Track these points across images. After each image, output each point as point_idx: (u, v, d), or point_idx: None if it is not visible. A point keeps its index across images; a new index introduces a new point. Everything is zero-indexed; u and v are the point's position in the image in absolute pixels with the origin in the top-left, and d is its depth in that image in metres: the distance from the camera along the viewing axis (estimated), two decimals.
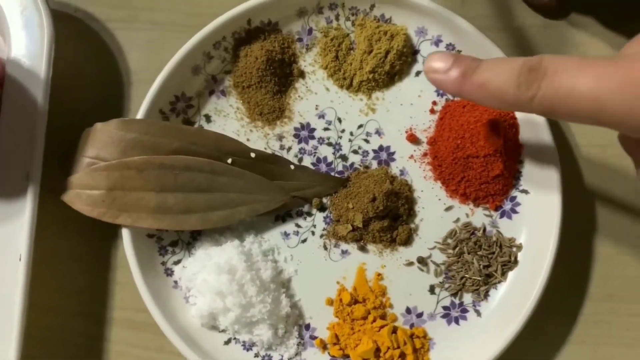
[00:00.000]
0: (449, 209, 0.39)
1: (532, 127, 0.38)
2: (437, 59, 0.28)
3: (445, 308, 0.38)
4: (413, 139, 0.40)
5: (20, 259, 0.36)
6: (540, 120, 0.38)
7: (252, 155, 0.38)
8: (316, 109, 0.41)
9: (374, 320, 0.38)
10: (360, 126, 0.40)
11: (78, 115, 0.40)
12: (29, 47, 0.39)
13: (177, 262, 0.39)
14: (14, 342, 0.35)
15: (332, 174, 0.40)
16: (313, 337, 0.38)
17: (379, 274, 0.39)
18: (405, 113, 0.40)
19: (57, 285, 0.40)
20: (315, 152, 0.40)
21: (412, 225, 0.39)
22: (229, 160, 0.38)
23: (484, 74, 0.27)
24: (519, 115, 0.39)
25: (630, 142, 0.29)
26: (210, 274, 0.36)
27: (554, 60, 0.25)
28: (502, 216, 0.39)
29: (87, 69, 0.43)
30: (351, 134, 0.40)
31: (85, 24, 0.43)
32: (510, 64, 0.26)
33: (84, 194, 0.37)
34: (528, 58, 0.26)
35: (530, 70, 0.25)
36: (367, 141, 0.40)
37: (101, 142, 0.37)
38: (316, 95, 0.41)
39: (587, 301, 0.39)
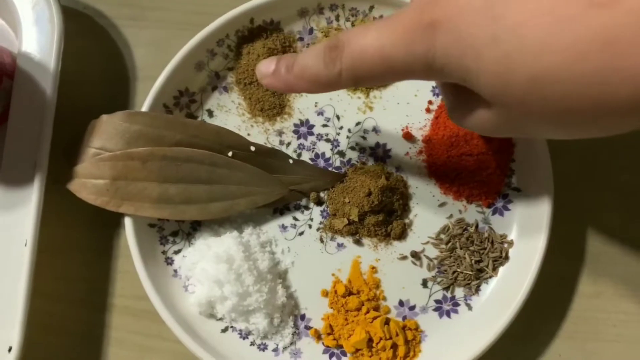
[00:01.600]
0: (442, 205, 0.41)
1: None
2: (264, 64, 0.30)
3: (437, 301, 0.39)
4: (409, 136, 0.41)
5: (25, 245, 0.37)
6: None
7: (252, 148, 0.40)
8: (315, 106, 0.42)
9: (368, 312, 0.39)
10: (358, 123, 0.42)
11: (85, 108, 0.41)
12: (39, 41, 0.40)
13: (177, 252, 0.40)
14: (17, 327, 0.36)
15: (330, 169, 0.41)
16: (308, 327, 0.39)
17: (373, 267, 0.40)
18: (402, 112, 0.42)
19: (60, 273, 0.41)
20: (313, 148, 0.41)
21: (407, 221, 0.40)
22: (230, 153, 0.39)
23: (299, 64, 0.28)
24: None
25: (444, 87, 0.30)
26: (209, 263, 0.38)
27: (348, 32, 0.26)
28: (494, 213, 0.40)
29: (94, 64, 0.44)
30: (349, 131, 0.42)
31: (93, 21, 0.44)
32: (317, 47, 0.27)
33: (88, 183, 0.38)
34: (330, 38, 0.27)
35: (332, 48, 0.26)
36: (364, 138, 0.42)
37: (106, 133, 0.38)
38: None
39: (576, 298, 0.40)
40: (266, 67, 0.30)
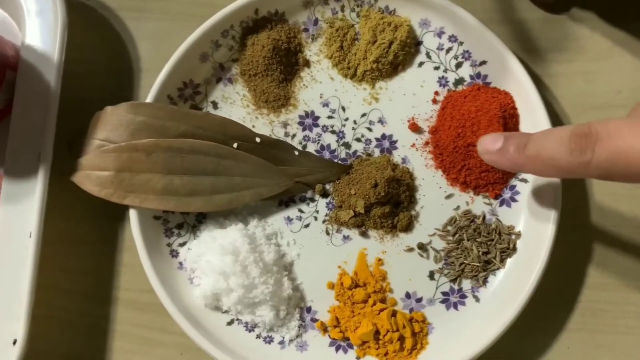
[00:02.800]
0: (449, 196, 0.40)
1: (532, 118, 0.39)
2: (490, 141, 0.30)
3: (444, 293, 0.39)
4: (415, 128, 0.41)
5: (30, 236, 0.37)
6: (540, 110, 0.38)
7: (257, 140, 0.39)
8: (321, 97, 0.42)
9: (374, 304, 0.38)
10: (363, 115, 0.41)
11: (88, 100, 0.41)
12: (42, 33, 0.40)
13: (182, 244, 0.40)
14: (22, 319, 0.36)
15: (335, 161, 0.41)
16: (314, 320, 0.39)
17: (380, 259, 0.40)
18: (408, 102, 0.41)
19: (64, 265, 0.41)
20: (319, 140, 0.41)
21: (413, 212, 0.40)
22: (235, 145, 0.39)
23: (535, 146, 0.28)
24: (519, 105, 0.40)
25: None
26: (214, 255, 0.37)
27: (605, 125, 0.26)
28: (501, 204, 0.40)
29: (98, 56, 0.44)
30: (354, 122, 0.41)
31: (97, 13, 0.44)
32: (560, 133, 0.27)
33: (93, 174, 0.38)
34: (576, 125, 0.27)
35: (581, 136, 0.26)
36: (370, 129, 0.41)
37: (111, 124, 0.38)
38: (321, 84, 0.42)
39: (584, 289, 0.40)
40: (492, 144, 0.30)
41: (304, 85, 0.42)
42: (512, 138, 0.29)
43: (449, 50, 0.41)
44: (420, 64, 0.42)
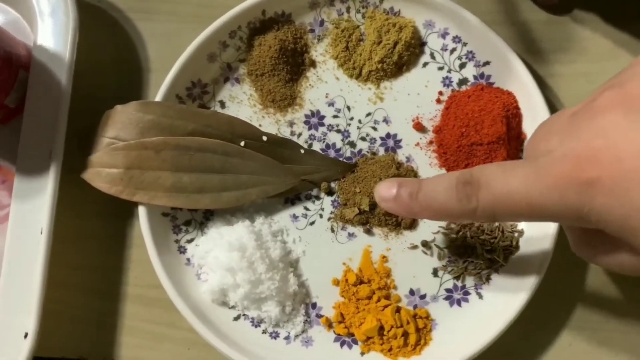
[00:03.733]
0: None
1: (535, 117, 0.39)
2: (384, 188, 0.30)
3: (447, 290, 0.40)
4: (419, 127, 0.42)
5: (41, 232, 0.37)
6: (543, 110, 0.39)
7: (264, 138, 0.40)
8: (326, 97, 0.42)
9: (379, 300, 0.39)
10: (368, 114, 0.42)
11: (99, 100, 0.42)
12: (54, 34, 0.41)
13: (190, 241, 0.41)
14: (33, 313, 0.36)
15: (341, 159, 0.41)
16: (319, 316, 0.40)
17: (384, 257, 0.40)
18: (412, 102, 0.42)
19: (74, 262, 0.42)
20: (324, 139, 0.42)
21: None
22: (242, 143, 0.40)
23: (426, 195, 0.28)
24: (522, 105, 0.40)
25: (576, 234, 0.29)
26: (221, 252, 0.38)
27: (484, 170, 0.26)
28: None
29: (108, 56, 0.44)
30: (359, 121, 0.42)
31: (107, 14, 0.45)
32: (446, 182, 0.28)
33: (103, 172, 0.39)
34: (460, 173, 0.27)
35: (465, 184, 0.27)
36: (374, 129, 0.42)
37: (120, 123, 0.39)
38: (326, 84, 0.42)
39: (587, 287, 0.40)
40: (387, 191, 0.30)
41: (310, 85, 0.42)
42: (405, 185, 0.29)
43: (453, 50, 0.42)
44: (425, 64, 0.42)
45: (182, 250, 0.40)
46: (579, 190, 0.23)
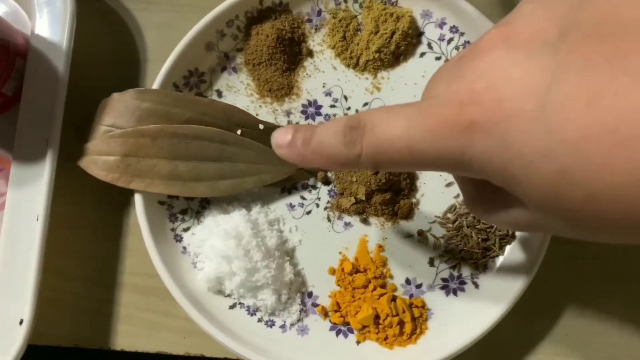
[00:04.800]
0: (449, 184, 0.41)
1: None
2: (280, 134, 0.28)
3: (443, 280, 0.40)
4: None
5: (37, 219, 0.37)
6: None
7: (261, 126, 0.40)
8: (323, 86, 0.42)
9: (374, 289, 0.39)
10: (365, 104, 0.42)
11: (96, 89, 0.42)
12: (51, 23, 0.41)
13: (186, 229, 0.41)
14: (28, 300, 0.36)
15: None
16: (315, 305, 0.39)
17: (380, 246, 0.40)
18: (410, 92, 0.42)
19: (70, 250, 0.42)
20: None
21: (414, 200, 0.41)
22: (239, 132, 0.40)
23: (317, 140, 0.27)
24: None
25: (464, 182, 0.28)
26: (217, 240, 0.38)
27: (370, 113, 0.25)
28: None
29: (106, 46, 0.45)
30: (357, 111, 0.42)
31: (105, 4, 0.45)
32: (336, 124, 0.26)
33: (99, 159, 0.39)
34: (349, 116, 0.26)
35: (351, 128, 0.25)
36: None
37: (117, 110, 0.39)
38: (324, 74, 0.42)
39: (584, 277, 0.40)
40: (282, 138, 0.28)
41: (307, 74, 0.42)
42: (300, 131, 0.28)
43: (450, 40, 0.42)
44: (422, 54, 0.42)
45: (178, 238, 0.40)
46: (460, 135, 0.21)
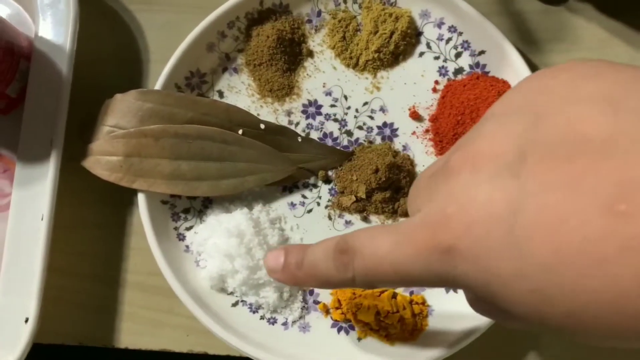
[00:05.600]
0: None
1: None
2: (272, 258, 0.28)
3: None
4: (416, 116, 0.42)
5: (42, 219, 0.38)
6: None
7: (262, 126, 0.41)
8: (323, 86, 0.43)
9: None
10: (365, 103, 0.42)
11: (99, 90, 0.42)
12: (55, 24, 0.41)
13: (189, 228, 0.41)
14: (34, 298, 0.37)
15: (338, 148, 0.42)
16: (316, 302, 0.40)
17: None
18: (409, 91, 0.42)
19: (74, 248, 0.42)
20: (322, 128, 0.42)
21: None
22: (240, 131, 0.40)
23: (308, 263, 0.27)
24: None
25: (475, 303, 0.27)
26: (220, 238, 0.38)
27: (357, 238, 0.25)
28: None
29: (108, 47, 0.45)
30: (356, 110, 0.42)
31: (107, 5, 0.45)
32: (325, 249, 0.26)
33: (103, 159, 0.39)
34: (338, 239, 0.26)
35: (341, 251, 0.25)
36: (371, 118, 0.42)
37: (120, 111, 0.39)
38: (324, 74, 0.43)
39: None
40: (275, 261, 0.28)
41: (307, 74, 0.43)
42: (291, 253, 0.28)
43: (448, 40, 0.42)
44: (421, 54, 0.43)
45: (181, 237, 0.41)
46: (440, 259, 0.22)
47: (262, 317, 0.40)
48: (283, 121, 0.42)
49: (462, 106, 0.40)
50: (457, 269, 0.22)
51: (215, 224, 0.40)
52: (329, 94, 0.43)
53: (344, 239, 0.25)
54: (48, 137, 0.39)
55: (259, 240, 0.38)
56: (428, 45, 0.43)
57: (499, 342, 0.40)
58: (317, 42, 0.43)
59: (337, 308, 0.40)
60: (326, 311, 0.40)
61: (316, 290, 0.40)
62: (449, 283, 0.22)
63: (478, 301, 0.26)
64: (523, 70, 0.40)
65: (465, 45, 0.42)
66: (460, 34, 0.42)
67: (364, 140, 0.42)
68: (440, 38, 0.43)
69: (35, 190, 0.39)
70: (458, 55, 0.42)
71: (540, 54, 0.43)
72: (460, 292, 0.39)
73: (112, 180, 0.39)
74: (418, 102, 0.42)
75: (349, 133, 0.42)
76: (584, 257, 0.18)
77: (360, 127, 0.42)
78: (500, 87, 0.41)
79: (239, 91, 0.43)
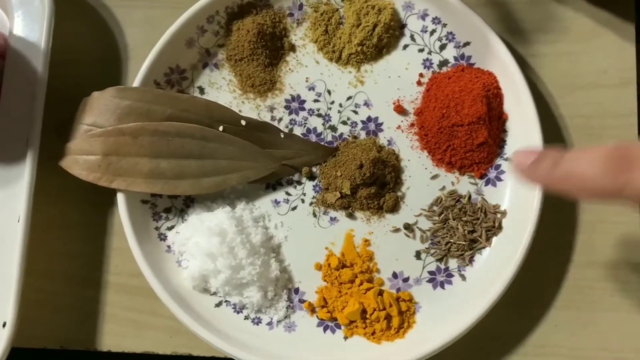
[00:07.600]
0: (435, 177, 0.40)
1: (516, 97, 0.39)
2: (523, 154, 0.29)
3: (431, 273, 0.39)
4: (400, 110, 0.41)
5: (18, 221, 0.37)
6: (524, 90, 0.39)
7: (243, 122, 0.40)
8: (306, 81, 0.42)
9: (361, 284, 0.39)
10: (349, 98, 0.42)
11: (76, 88, 0.41)
12: (30, 21, 0.40)
13: (170, 228, 0.40)
14: (11, 303, 0.36)
15: (322, 144, 0.41)
16: (302, 301, 0.39)
17: (367, 240, 0.40)
18: (393, 85, 0.42)
19: (53, 250, 0.41)
20: (305, 123, 0.41)
21: (399, 193, 0.40)
22: (220, 128, 0.39)
23: (568, 165, 0.27)
24: (503, 85, 0.40)
25: None
26: (202, 237, 0.38)
27: None
28: (487, 184, 0.40)
29: (86, 44, 0.44)
30: (340, 105, 0.42)
31: (84, 1, 0.44)
32: (595, 154, 0.26)
33: (80, 159, 0.38)
34: (613, 146, 0.25)
35: (619, 158, 0.25)
36: (355, 112, 0.42)
37: (97, 109, 0.39)
38: (306, 68, 0.42)
39: (571, 267, 0.40)
40: (525, 157, 0.28)
41: (289, 69, 0.42)
42: (547, 154, 0.28)
43: (433, 32, 0.42)
44: (405, 46, 0.42)
45: (162, 237, 0.40)
46: None
47: (246, 317, 0.39)
48: (266, 117, 0.41)
49: (447, 99, 0.39)
50: None
51: (197, 222, 0.39)
52: (312, 88, 0.42)
53: (622, 147, 0.25)
54: (24, 137, 0.38)
55: (241, 239, 0.38)
56: (412, 38, 0.42)
57: (487, 337, 0.39)
58: (299, 35, 0.42)
59: (322, 306, 0.39)
60: (312, 310, 0.39)
61: (301, 288, 0.39)
62: None
63: None
64: (508, 61, 0.39)
65: (450, 36, 0.41)
66: (445, 25, 0.41)
67: (349, 135, 0.41)
68: (424, 30, 0.42)
69: (11, 191, 0.38)
70: (443, 47, 0.42)
71: (527, 45, 0.42)
72: (448, 288, 0.39)
73: (91, 180, 0.38)
74: (402, 95, 0.41)
75: (333, 128, 0.41)
76: None
77: (344, 122, 0.41)
78: (486, 78, 0.40)
79: (220, 87, 0.42)
